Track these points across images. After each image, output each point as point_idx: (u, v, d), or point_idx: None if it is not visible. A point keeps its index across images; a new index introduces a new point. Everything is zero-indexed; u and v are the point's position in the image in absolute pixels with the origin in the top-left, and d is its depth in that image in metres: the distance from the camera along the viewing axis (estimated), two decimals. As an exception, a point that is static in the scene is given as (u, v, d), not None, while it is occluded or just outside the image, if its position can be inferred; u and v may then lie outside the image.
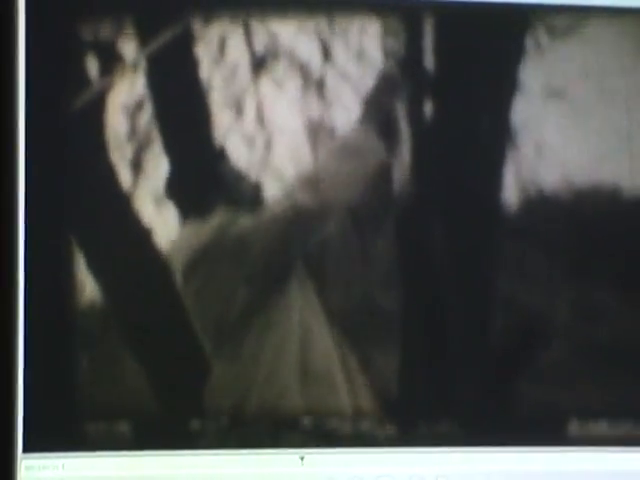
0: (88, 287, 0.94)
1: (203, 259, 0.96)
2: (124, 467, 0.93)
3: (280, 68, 0.98)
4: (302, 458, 0.95)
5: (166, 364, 0.95)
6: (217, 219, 0.96)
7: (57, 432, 0.92)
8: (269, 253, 0.97)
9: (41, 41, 0.94)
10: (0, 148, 0.93)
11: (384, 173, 0.99)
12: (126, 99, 0.96)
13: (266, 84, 0.98)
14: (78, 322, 0.93)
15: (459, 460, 0.97)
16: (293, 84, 0.98)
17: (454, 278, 0.99)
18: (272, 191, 0.97)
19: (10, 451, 0.91)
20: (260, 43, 0.98)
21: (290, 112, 0.98)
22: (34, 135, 0.93)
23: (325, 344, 0.97)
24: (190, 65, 0.97)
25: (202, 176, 0.97)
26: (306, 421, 0.95)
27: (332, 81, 0.99)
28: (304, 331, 0.96)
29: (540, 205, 1.00)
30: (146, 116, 0.96)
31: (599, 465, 0.99)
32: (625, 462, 0.99)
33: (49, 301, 0.93)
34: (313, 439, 0.95)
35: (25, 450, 0.92)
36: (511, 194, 1.00)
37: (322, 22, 0.98)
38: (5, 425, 0.91)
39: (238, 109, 0.97)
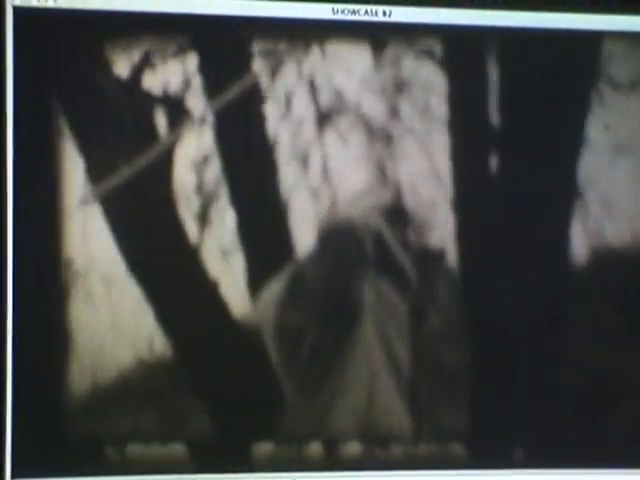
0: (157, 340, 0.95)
1: (278, 306, 0.96)
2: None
3: (345, 122, 0.98)
4: None
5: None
6: (287, 269, 0.96)
7: (45, 457, 0.92)
8: (335, 299, 0.97)
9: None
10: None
11: (450, 227, 0.98)
12: (194, 153, 0.96)
13: (331, 138, 0.98)
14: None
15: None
16: (358, 138, 0.98)
17: (522, 335, 0.98)
18: (335, 243, 0.97)
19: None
20: (325, 98, 0.98)
21: (355, 166, 0.98)
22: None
23: (391, 396, 0.96)
24: (257, 120, 0.97)
25: (268, 229, 0.97)
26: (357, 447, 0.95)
27: (398, 136, 0.99)
28: (371, 379, 0.96)
29: (609, 262, 0.99)
30: (213, 170, 0.96)
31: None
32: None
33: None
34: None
35: (14, 476, 0.92)
36: (579, 251, 0.99)
37: (387, 78, 0.99)
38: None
39: (304, 163, 0.97)
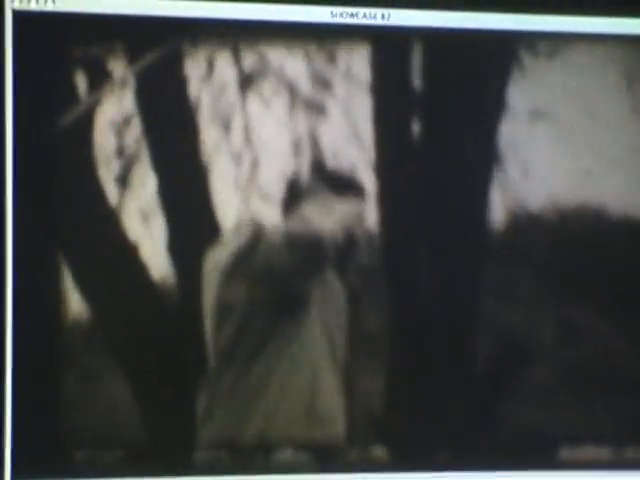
0: (74, 303, 0.94)
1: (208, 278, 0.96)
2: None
3: (268, 86, 0.99)
4: None
5: (156, 382, 0.95)
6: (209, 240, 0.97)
7: (45, 459, 0.93)
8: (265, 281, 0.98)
9: (29, 58, 0.94)
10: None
11: (369, 194, 0.99)
12: (114, 116, 0.96)
13: (254, 102, 0.98)
14: (64, 341, 0.93)
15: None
16: (281, 102, 0.98)
17: (439, 300, 0.99)
18: (258, 211, 0.97)
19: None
20: (248, 62, 0.98)
21: (277, 130, 0.98)
22: (22, 151, 0.94)
23: (328, 378, 0.97)
24: (178, 82, 0.97)
25: (189, 192, 0.97)
26: (300, 451, 0.96)
27: (321, 100, 0.99)
28: (311, 365, 0.97)
29: (526, 226, 1.01)
30: (134, 133, 0.96)
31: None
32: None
33: (36, 319, 0.93)
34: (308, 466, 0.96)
35: (14, 477, 0.92)
36: (497, 215, 1.00)
37: (311, 45, 0.99)
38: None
39: (226, 127, 0.98)
